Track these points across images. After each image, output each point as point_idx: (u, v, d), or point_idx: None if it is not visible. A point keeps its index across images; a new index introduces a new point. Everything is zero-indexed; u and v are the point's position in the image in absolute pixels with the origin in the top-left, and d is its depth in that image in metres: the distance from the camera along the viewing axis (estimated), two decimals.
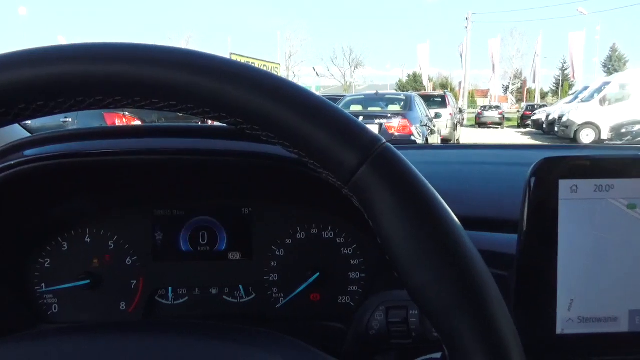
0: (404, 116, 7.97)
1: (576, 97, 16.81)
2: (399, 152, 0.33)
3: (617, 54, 49.04)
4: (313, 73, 52.17)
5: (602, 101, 13.82)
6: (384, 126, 7.54)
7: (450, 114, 13.11)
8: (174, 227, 0.76)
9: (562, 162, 0.47)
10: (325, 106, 0.33)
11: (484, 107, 27.85)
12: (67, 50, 0.31)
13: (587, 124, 13.87)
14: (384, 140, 0.32)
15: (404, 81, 49.34)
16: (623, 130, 11.12)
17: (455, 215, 0.32)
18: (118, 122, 5.48)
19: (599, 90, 14.39)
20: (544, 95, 48.98)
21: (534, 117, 21.37)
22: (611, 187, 0.47)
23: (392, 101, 9.77)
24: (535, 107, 25.80)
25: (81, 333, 0.38)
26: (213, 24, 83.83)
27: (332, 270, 0.75)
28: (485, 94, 50.48)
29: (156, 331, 0.39)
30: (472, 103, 43.08)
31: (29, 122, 0.59)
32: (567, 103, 17.29)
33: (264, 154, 0.63)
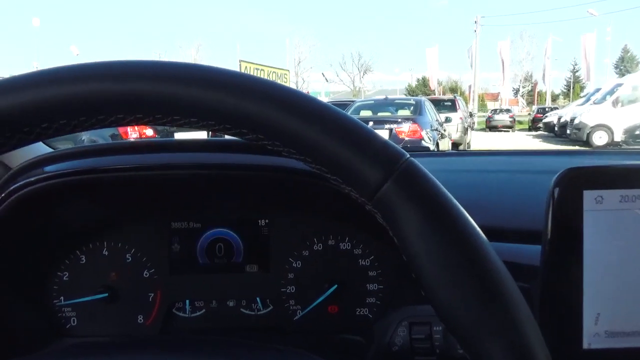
0: (414, 121, 7.94)
1: (588, 99, 16.65)
2: (423, 167, 0.32)
3: (629, 55, 48.54)
4: (322, 79, 52.27)
5: (615, 103, 13.67)
6: (394, 131, 7.52)
7: (461, 118, 13.04)
8: (191, 239, 0.76)
9: (587, 173, 0.46)
10: (348, 121, 0.32)
11: (495, 111, 27.69)
12: (89, 69, 0.31)
13: (600, 126, 13.72)
14: (408, 155, 0.32)
15: (413, 86, 49.25)
16: (637, 132, 10.98)
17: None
18: (130, 131, 5.52)
19: (611, 92, 14.24)
20: (555, 98, 48.61)
21: (546, 120, 21.20)
22: (637, 197, 0.46)
23: (402, 106, 9.75)
24: (547, 109, 25.61)
25: (99, 351, 0.38)
26: (222, 32, 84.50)
27: (350, 282, 0.75)
28: (495, 97, 50.22)
29: (175, 349, 0.38)
30: (482, 106, 42.86)
31: None
32: (578, 105, 17.12)
33: (281, 168, 0.63)
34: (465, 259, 0.30)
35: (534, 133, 23.00)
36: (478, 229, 0.31)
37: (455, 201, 0.31)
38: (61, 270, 0.76)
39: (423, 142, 7.70)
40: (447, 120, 10.84)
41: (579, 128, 14.20)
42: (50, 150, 0.87)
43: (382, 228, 0.33)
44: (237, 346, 0.39)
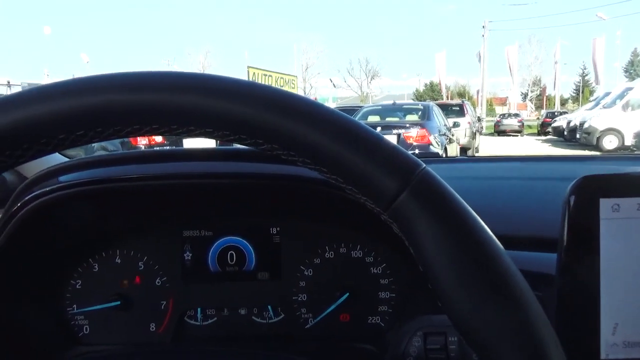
0: (422, 126, 7.92)
1: (597, 104, 16.54)
2: (439, 177, 0.32)
3: (638, 58, 48.17)
4: (330, 84, 52.37)
5: (625, 107, 13.56)
6: (402, 136, 7.50)
7: (469, 123, 13.00)
8: (203, 247, 0.77)
9: (603, 181, 0.46)
10: (363, 131, 0.32)
11: (503, 115, 27.57)
12: (105, 81, 0.31)
13: (610, 130, 13.61)
14: (424, 165, 0.32)
15: (421, 91, 49.19)
16: None
17: None
18: (139, 138, 5.56)
19: (621, 96, 14.13)
20: (564, 102, 48.31)
21: (555, 124, 21.05)
22: None
23: (410, 111, 9.73)
24: (556, 114, 25.43)
25: None
26: (230, 38, 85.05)
27: (362, 290, 0.74)
28: (503, 101, 50.02)
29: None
30: (490, 111, 42.68)
31: None
32: (588, 109, 16.99)
33: (293, 176, 0.63)
34: (483, 271, 0.30)
35: (542, 137, 22.86)
36: (495, 239, 0.31)
37: (472, 211, 0.31)
38: (74, 278, 0.76)
39: (431, 147, 7.68)
40: (455, 125, 10.81)
41: (589, 132, 14.09)
42: (65, 159, 0.88)
43: (394, 236, 0.33)
44: (248, 357, 0.38)
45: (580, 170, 0.86)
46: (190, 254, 0.77)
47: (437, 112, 9.46)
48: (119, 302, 0.75)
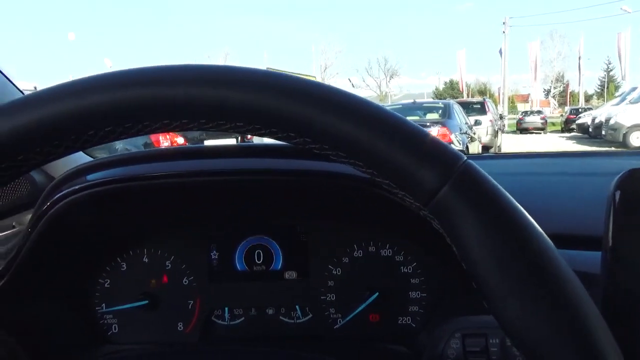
0: (443, 124, 7.84)
1: (624, 99, 16.12)
2: (481, 169, 0.30)
3: None
4: (348, 84, 52.28)
5: None
6: None
7: (491, 121, 12.81)
8: (229, 246, 0.76)
9: None
10: (401, 123, 0.31)
11: (525, 113, 27.12)
12: (133, 75, 0.31)
13: (637, 127, 13.25)
14: (465, 157, 0.30)
15: (441, 89, 48.74)
16: None
17: None
18: (162, 140, 5.62)
19: None
20: (588, 98, 47.33)
21: (579, 121, 20.61)
22: None
23: (430, 110, 9.65)
24: (580, 110, 24.92)
25: None
26: (249, 40, 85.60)
27: (392, 290, 0.73)
28: (525, 99, 49.22)
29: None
30: (512, 108, 42.05)
31: None
32: (614, 105, 16.59)
33: (321, 172, 0.61)
34: (533, 267, 0.28)
35: (567, 134, 22.40)
36: (544, 234, 0.29)
37: (518, 205, 0.30)
38: (102, 277, 0.76)
39: (452, 146, 7.60)
40: (477, 123, 10.68)
41: (615, 129, 13.76)
42: (90, 159, 0.88)
43: (425, 234, 0.31)
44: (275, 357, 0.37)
45: (626, 165, 0.83)
46: (217, 253, 0.76)
47: (457, 111, 9.36)
48: (147, 302, 0.74)
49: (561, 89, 49.05)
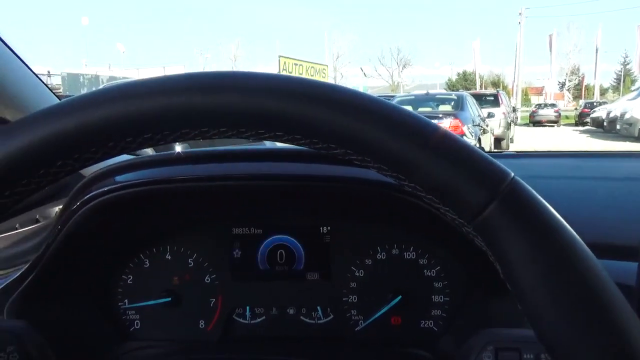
0: (455, 116, 7.79)
1: None
2: (530, 187, 0.30)
3: None
4: (360, 73, 51.97)
5: None
6: None
7: (504, 113, 12.70)
8: (252, 245, 0.76)
9: None
10: (448, 137, 0.30)
11: (539, 105, 26.83)
12: (169, 82, 0.30)
13: None
14: (513, 174, 0.30)
15: (454, 80, 48.29)
16: None
17: None
18: None
19: None
20: (603, 92, 46.66)
21: (594, 115, 20.33)
22: None
23: (443, 101, 9.59)
24: (595, 104, 24.60)
25: None
26: (261, 28, 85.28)
27: (415, 293, 0.72)
28: (539, 91, 48.61)
29: None
30: (525, 101, 41.56)
31: None
32: (630, 100, 16.33)
33: (348, 178, 0.61)
34: (583, 293, 0.27)
35: (580, 128, 22.14)
36: (593, 256, 0.29)
37: (567, 226, 0.29)
38: (126, 273, 0.77)
39: (465, 138, 7.54)
40: (490, 115, 10.58)
41: (630, 123, 13.56)
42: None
43: (450, 238, 0.31)
44: None
45: None
46: (240, 252, 0.76)
47: (470, 103, 9.28)
48: (169, 299, 0.75)
49: (576, 81, 48.36)
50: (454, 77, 49.34)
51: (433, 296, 0.73)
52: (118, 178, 0.62)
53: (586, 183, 0.76)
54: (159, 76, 0.32)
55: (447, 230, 0.49)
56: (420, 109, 8.96)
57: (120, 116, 0.30)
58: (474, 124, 8.45)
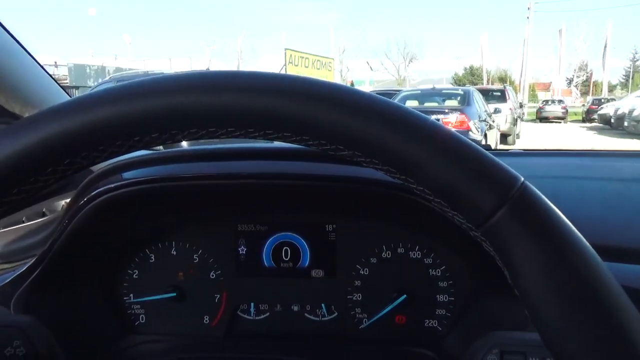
0: (461, 111, 7.75)
1: None
2: (540, 193, 0.29)
3: None
4: (367, 67, 51.75)
5: None
6: (440, 122, 7.32)
7: (510, 109, 12.62)
8: (257, 242, 0.76)
9: None
10: (458, 140, 0.30)
11: (546, 102, 26.62)
12: (174, 82, 0.30)
13: None
14: (522, 179, 0.29)
15: (460, 75, 48.02)
16: None
17: None
18: None
19: None
20: (611, 89, 46.27)
21: (601, 111, 20.17)
22: None
23: (450, 96, 9.54)
24: (602, 100, 24.37)
25: None
26: (268, 20, 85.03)
27: (419, 293, 0.72)
28: (547, 87, 48.31)
29: None
30: (532, 97, 41.29)
31: None
32: (638, 96, 16.19)
33: (354, 178, 0.61)
34: (593, 302, 0.27)
35: (587, 125, 21.98)
36: (601, 260, 0.28)
37: (575, 231, 0.29)
38: (131, 268, 0.77)
39: (470, 133, 7.52)
40: (496, 111, 10.52)
41: (638, 120, 13.46)
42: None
43: (455, 237, 0.30)
44: None
45: None
46: (245, 249, 0.76)
47: (477, 98, 9.23)
48: (174, 294, 0.75)
49: (584, 78, 47.98)
50: (461, 72, 49.06)
51: (438, 296, 0.72)
52: (125, 175, 0.62)
53: (594, 183, 0.76)
54: (167, 75, 0.31)
55: (453, 231, 0.49)
56: (426, 104, 8.93)
57: (128, 115, 0.30)
58: (480, 119, 8.41)
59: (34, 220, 0.89)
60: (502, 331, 0.55)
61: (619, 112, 15.89)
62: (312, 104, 0.30)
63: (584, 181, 0.76)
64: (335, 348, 0.74)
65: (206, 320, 0.77)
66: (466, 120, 7.56)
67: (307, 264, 0.75)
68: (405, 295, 0.71)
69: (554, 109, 24.49)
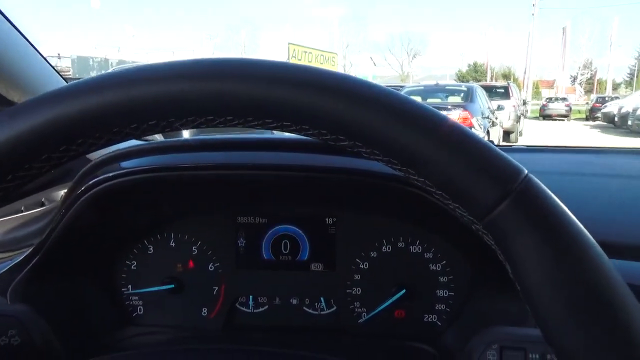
0: (464, 108, 7.72)
1: None
2: (543, 186, 0.29)
3: None
4: (370, 62, 51.59)
5: None
6: None
7: (514, 106, 12.59)
8: (257, 234, 0.75)
9: None
10: (461, 132, 0.29)
11: (550, 99, 26.56)
12: (176, 68, 0.29)
13: None
14: (526, 172, 0.29)
15: (464, 71, 47.86)
16: None
17: None
18: None
19: None
20: (616, 87, 46.07)
21: (605, 110, 20.09)
22: None
23: (453, 92, 9.51)
24: (606, 98, 24.29)
25: None
26: (271, 14, 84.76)
27: (419, 287, 0.72)
28: (550, 84, 48.10)
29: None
30: (536, 94, 41.12)
31: None
32: None
33: (357, 171, 0.60)
34: (594, 297, 0.26)
35: (591, 123, 21.91)
36: (605, 255, 0.28)
37: (579, 224, 0.28)
38: (129, 259, 0.77)
39: (473, 130, 7.49)
40: (500, 108, 10.48)
41: None
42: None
43: (456, 233, 0.30)
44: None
45: None
46: (244, 241, 0.76)
47: (480, 94, 9.20)
48: (172, 285, 0.75)
49: (588, 75, 47.77)
50: (465, 69, 48.90)
51: (438, 291, 0.72)
52: (124, 164, 0.61)
53: (597, 180, 0.75)
54: (164, 62, 0.31)
55: (454, 225, 0.48)
56: (429, 100, 8.89)
57: (124, 102, 0.29)
58: (483, 116, 8.39)
59: (33, 209, 0.88)
60: (501, 327, 0.54)
61: (623, 110, 15.83)
62: (313, 92, 0.29)
63: (586, 177, 0.75)
64: (334, 342, 0.74)
65: (204, 313, 0.77)
66: (469, 116, 7.53)
67: (306, 257, 0.75)
68: (404, 290, 0.71)
69: (558, 107, 24.43)
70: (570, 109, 24.84)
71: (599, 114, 21.54)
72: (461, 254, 0.70)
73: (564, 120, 23.66)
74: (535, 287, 0.27)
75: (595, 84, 44.94)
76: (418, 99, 8.60)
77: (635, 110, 14.06)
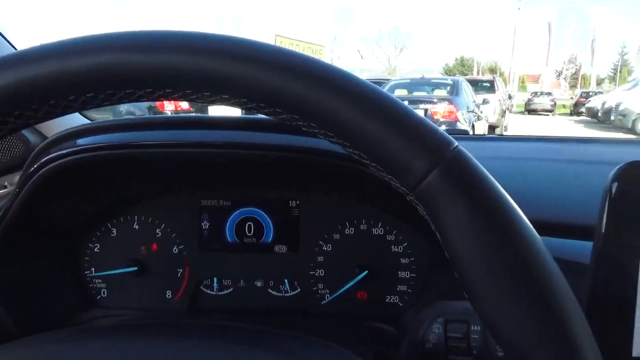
0: (450, 101, 7.76)
1: (636, 84, 15.85)
2: (472, 157, 0.29)
3: None
4: (357, 55, 51.53)
5: None
6: (429, 111, 7.36)
7: (499, 100, 12.66)
8: (220, 217, 0.75)
9: None
10: (391, 103, 0.29)
11: (535, 93, 26.79)
12: (114, 40, 0.29)
13: None
14: (456, 143, 0.29)
15: (451, 65, 48.05)
16: None
17: None
18: (166, 104, 5.58)
19: None
20: (600, 82, 46.61)
21: (589, 105, 20.31)
22: None
23: (439, 86, 9.54)
24: (590, 94, 24.56)
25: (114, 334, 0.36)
26: (259, 5, 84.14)
27: (381, 269, 0.72)
28: (536, 79, 48.53)
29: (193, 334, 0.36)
30: (522, 88, 41.45)
31: None
32: (625, 90, 16.33)
33: (316, 150, 0.60)
34: (517, 263, 0.27)
35: (575, 118, 22.16)
36: (533, 230, 0.28)
37: (507, 196, 0.28)
38: (92, 242, 0.76)
39: (458, 123, 7.53)
40: (485, 102, 10.55)
41: (625, 114, 13.58)
42: (87, 121, 0.87)
43: (417, 215, 0.30)
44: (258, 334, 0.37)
45: (624, 155, 0.81)
46: (208, 224, 0.76)
47: (466, 88, 9.25)
48: (135, 268, 0.75)
49: (573, 70, 48.27)
50: (452, 63, 49.09)
51: (399, 272, 0.73)
52: (80, 141, 0.60)
53: (541, 164, 0.76)
54: (106, 33, 0.30)
55: (411, 206, 0.49)
56: (415, 93, 8.91)
57: (61, 72, 0.29)
58: (469, 110, 8.43)
59: None
60: (448, 301, 0.55)
61: (606, 105, 16.02)
62: (246, 63, 0.29)
63: (530, 162, 0.77)
64: (298, 323, 0.74)
65: (169, 295, 0.77)
66: (455, 110, 7.57)
67: (270, 240, 0.75)
68: (367, 271, 0.71)
69: (543, 101, 24.64)
70: (555, 103, 25.09)
71: (583, 109, 21.80)
72: (422, 235, 0.71)
73: (548, 115, 23.88)
74: (461, 256, 0.28)
75: (580, 79, 45.47)
76: (404, 92, 8.64)
77: (617, 106, 14.25)
